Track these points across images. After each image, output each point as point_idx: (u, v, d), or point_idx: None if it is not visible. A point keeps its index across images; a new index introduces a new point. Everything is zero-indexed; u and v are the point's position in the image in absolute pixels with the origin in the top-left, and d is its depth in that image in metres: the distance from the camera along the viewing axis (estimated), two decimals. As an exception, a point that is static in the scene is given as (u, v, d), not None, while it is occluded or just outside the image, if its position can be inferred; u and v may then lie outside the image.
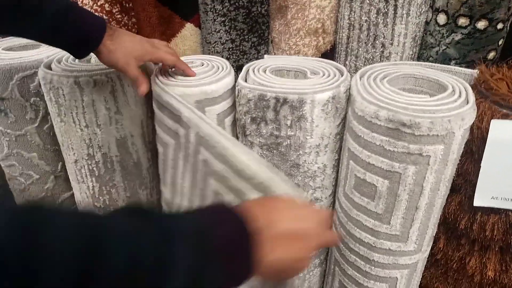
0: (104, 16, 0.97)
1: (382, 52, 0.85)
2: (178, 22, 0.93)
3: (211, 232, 0.31)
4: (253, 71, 0.79)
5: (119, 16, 0.99)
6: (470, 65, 0.82)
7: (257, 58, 0.96)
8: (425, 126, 0.60)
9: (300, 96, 0.70)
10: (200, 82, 0.74)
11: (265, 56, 0.89)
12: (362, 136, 0.68)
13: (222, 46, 0.92)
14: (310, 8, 0.86)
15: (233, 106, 0.80)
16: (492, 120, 0.66)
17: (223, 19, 0.89)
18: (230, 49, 0.92)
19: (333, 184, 0.84)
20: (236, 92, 0.76)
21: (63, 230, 0.25)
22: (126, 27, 1.02)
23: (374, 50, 0.85)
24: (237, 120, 0.80)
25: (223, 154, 0.55)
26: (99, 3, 0.96)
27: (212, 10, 0.89)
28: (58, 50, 0.93)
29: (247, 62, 0.92)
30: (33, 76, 0.89)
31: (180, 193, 0.71)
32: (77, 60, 0.84)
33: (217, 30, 0.91)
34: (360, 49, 0.87)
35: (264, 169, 0.49)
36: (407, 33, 0.84)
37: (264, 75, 0.78)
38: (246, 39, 0.91)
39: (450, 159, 0.65)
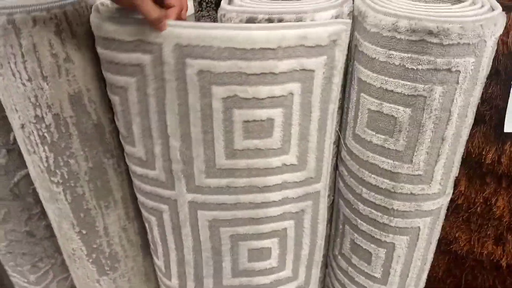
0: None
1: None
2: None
3: None
4: (236, -1, 0.68)
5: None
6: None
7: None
8: (455, 32, 0.52)
9: (298, 15, 0.59)
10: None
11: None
12: (377, 58, 0.58)
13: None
14: None
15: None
16: (522, 29, 0.59)
17: None
18: (202, -18, 0.80)
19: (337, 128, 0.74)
20: (219, 20, 0.64)
21: None
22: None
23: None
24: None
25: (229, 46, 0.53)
26: None
27: None
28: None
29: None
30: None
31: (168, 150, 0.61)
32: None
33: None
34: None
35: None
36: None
37: (251, 1, 0.66)
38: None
39: (479, 76, 0.57)
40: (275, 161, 0.63)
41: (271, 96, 0.58)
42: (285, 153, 0.63)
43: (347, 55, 0.69)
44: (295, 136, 0.63)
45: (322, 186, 0.70)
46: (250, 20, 0.61)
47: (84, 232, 0.73)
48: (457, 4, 0.61)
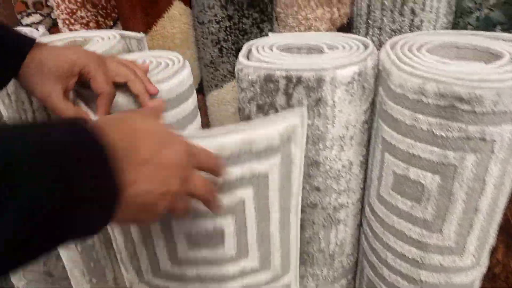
0: (76, -1, 0.85)
1: (412, 20, 0.72)
2: (164, -1, 0.81)
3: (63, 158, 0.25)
4: (257, 49, 0.67)
5: (94, -3, 0.87)
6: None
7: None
8: (489, 99, 0.47)
9: (317, 73, 0.57)
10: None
11: (270, 34, 0.76)
12: (402, 120, 0.54)
13: (218, 26, 0.80)
14: (322, -28, 0.73)
15: (196, 108, 0.66)
16: None
17: (216, -9, 0.76)
18: (228, 29, 0.80)
19: (361, 186, 0.70)
20: (236, 74, 0.63)
21: None
22: (104, 11, 0.89)
23: (402, 18, 0.72)
24: (240, 111, 0.67)
25: None
26: (69, -17, 0.83)
27: (203, -19, 0.76)
28: None
29: (247, 44, 0.80)
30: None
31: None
32: None
33: (210, 6, 0.78)
34: (385, 19, 0.74)
35: None
36: (441, -3, 0.71)
37: (270, 53, 0.65)
38: (246, 15, 0.79)
39: (519, 144, 0.51)
40: (232, 268, 0.52)
41: None
42: (243, 258, 0.52)
43: (372, 109, 0.65)
44: (253, 240, 0.52)
45: (293, 275, 0.59)
46: (267, 78, 0.59)
47: (94, 281, 0.73)
48: (493, 61, 0.57)
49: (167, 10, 0.82)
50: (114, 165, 0.28)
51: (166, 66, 0.63)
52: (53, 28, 0.93)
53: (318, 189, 0.67)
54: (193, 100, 0.64)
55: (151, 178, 0.31)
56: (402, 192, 0.59)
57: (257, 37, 0.83)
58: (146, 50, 0.81)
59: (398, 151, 0.57)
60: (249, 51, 0.68)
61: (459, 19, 0.77)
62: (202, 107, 0.98)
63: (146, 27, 0.83)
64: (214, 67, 0.86)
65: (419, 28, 0.72)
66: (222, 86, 0.88)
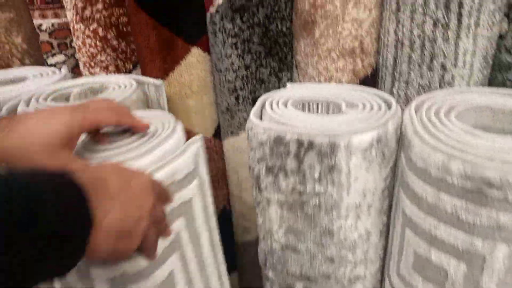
0: (98, 43, 0.86)
1: (443, 76, 0.67)
2: (182, 46, 0.80)
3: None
4: (270, 105, 0.64)
5: (115, 42, 0.87)
6: None
7: (278, 87, 0.80)
8: (525, 186, 0.41)
9: (331, 138, 0.53)
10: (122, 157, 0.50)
11: (288, 84, 0.73)
12: (424, 196, 0.49)
13: (235, 74, 0.78)
14: (344, 22, 0.69)
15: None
16: None
17: (234, 40, 0.74)
18: (244, 78, 0.77)
19: (381, 256, 0.64)
20: (247, 132, 0.60)
21: None
22: (124, 55, 0.90)
23: (432, 74, 0.67)
24: (250, 169, 0.63)
25: None
26: (91, 28, 0.85)
27: (221, 30, 0.74)
28: (42, 84, 0.83)
29: (266, 92, 0.77)
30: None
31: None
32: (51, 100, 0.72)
33: (227, 55, 0.76)
34: (412, 73, 0.69)
35: None
36: (475, 50, 0.65)
37: (284, 110, 0.62)
38: (264, 65, 0.76)
39: None
40: None
41: None
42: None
43: (393, 173, 0.60)
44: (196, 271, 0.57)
45: None
46: (278, 140, 0.55)
47: None
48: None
49: (184, 57, 0.81)
50: (86, 200, 0.31)
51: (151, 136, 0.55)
52: (76, 68, 0.94)
53: (331, 260, 0.61)
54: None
55: (123, 207, 0.35)
56: (423, 275, 0.53)
57: (275, 86, 0.80)
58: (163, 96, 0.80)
59: (419, 229, 0.51)
60: (263, 106, 0.65)
61: (496, 73, 0.71)
62: (219, 152, 0.96)
63: (163, 74, 0.82)
64: (230, 114, 0.83)
65: (450, 84, 0.67)
66: (238, 134, 0.85)
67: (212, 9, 0.74)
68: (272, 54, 0.76)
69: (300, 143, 0.54)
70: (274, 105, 0.64)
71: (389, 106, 0.61)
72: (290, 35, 0.77)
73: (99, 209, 0.32)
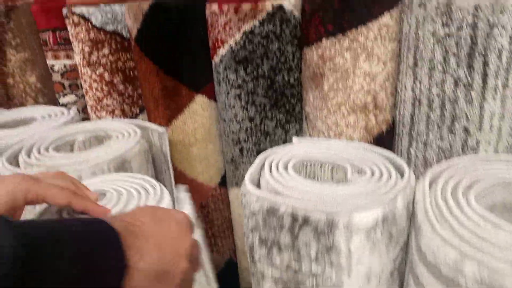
0: (104, 87, 0.85)
1: (465, 141, 0.59)
2: (186, 93, 0.77)
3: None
4: (269, 166, 0.59)
5: (121, 87, 0.86)
6: None
7: (285, 139, 0.75)
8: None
9: (328, 216, 0.47)
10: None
11: (294, 139, 0.68)
12: (434, 295, 0.41)
13: (238, 125, 0.73)
14: (356, 76, 0.64)
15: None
16: None
17: (238, 91, 0.70)
18: (248, 130, 0.73)
19: None
20: (241, 197, 0.55)
21: None
22: (131, 99, 0.88)
23: (453, 136, 0.60)
24: (245, 237, 0.58)
25: None
26: (98, 72, 0.84)
27: (225, 80, 0.71)
28: (49, 126, 0.83)
29: (271, 146, 0.72)
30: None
31: None
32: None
33: (231, 105, 0.72)
34: (431, 134, 0.62)
35: None
36: (504, 113, 0.58)
37: (283, 174, 0.56)
38: (269, 117, 0.72)
39: None
40: None
41: None
42: None
43: (404, 253, 0.53)
44: None
45: None
46: (271, 211, 0.50)
47: None
48: None
49: (188, 105, 0.77)
50: (119, 243, 0.32)
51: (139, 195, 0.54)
52: (86, 109, 0.94)
53: None
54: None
55: (160, 247, 0.35)
56: None
57: (281, 138, 0.75)
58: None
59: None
60: (262, 167, 0.60)
61: (529, 136, 0.63)
62: (225, 201, 0.91)
63: (167, 121, 0.80)
64: (235, 165, 0.79)
65: (474, 150, 0.59)
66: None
67: (216, 59, 0.71)
68: (278, 106, 0.71)
69: (294, 218, 0.49)
70: (274, 167, 0.58)
71: (401, 174, 0.55)
72: (299, 85, 0.72)
73: (133, 251, 0.33)
